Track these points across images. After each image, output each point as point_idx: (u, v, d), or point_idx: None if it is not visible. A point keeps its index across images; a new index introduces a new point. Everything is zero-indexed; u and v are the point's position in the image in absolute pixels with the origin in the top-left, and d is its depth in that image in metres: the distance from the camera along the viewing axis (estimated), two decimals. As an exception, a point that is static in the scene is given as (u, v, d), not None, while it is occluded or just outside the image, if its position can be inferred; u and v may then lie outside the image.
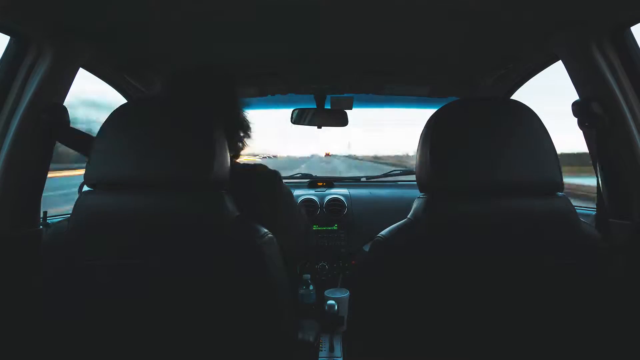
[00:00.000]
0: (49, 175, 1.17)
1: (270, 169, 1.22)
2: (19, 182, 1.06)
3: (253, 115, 1.26)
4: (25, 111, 1.04)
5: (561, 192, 0.90)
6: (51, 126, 1.10)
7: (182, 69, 1.17)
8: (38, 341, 0.89)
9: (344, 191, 2.28)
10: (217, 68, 1.18)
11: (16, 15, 0.97)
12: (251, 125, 1.24)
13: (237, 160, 1.24)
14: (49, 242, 0.92)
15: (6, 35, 1.05)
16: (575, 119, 1.12)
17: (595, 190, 1.11)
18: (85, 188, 0.94)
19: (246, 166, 1.20)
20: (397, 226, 0.94)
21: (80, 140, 1.23)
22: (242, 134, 1.21)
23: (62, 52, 1.08)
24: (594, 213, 1.19)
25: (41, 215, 1.18)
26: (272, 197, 1.18)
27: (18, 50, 1.06)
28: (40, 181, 1.13)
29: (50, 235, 0.93)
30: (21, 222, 1.07)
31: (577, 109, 1.09)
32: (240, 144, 1.22)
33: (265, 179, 1.19)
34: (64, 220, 0.92)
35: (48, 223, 1.23)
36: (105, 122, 0.89)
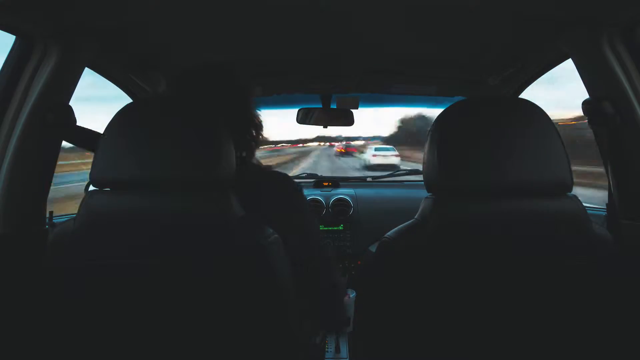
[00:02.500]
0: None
1: (285, 175, 1.21)
2: (25, 182, 1.06)
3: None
4: (31, 111, 1.04)
5: (571, 192, 0.89)
6: (57, 126, 1.10)
7: (189, 67, 1.16)
8: (43, 341, 0.89)
9: (350, 191, 2.27)
10: (224, 66, 1.17)
11: (22, 14, 0.97)
12: (263, 123, 1.23)
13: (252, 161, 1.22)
14: (55, 242, 0.92)
15: (12, 35, 1.05)
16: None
17: None
18: (91, 188, 0.93)
19: (261, 170, 1.19)
20: (404, 227, 0.93)
21: (87, 138, 1.22)
22: (253, 132, 1.20)
23: (68, 52, 1.08)
24: (604, 214, 1.17)
25: (47, 215, 1.18)
26: (290, 203, 1.16)
27: (23, 50, 1.06)
28: (46, 181, 1.13)
29: (56, 235, 0.93)
30: (27, 221, 1.07)
31: (588, 108, 1.08)
32: (253, 143, 1.21)
33: (281, 185, 1.17)
34: (69, 220, 0.91)
35: (54, 223, 1.23)
36: (110, 121, 0.89)
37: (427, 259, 0.87)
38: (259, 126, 1.21)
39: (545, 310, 0.86)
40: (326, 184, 2.39)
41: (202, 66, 1.16)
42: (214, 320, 0.89)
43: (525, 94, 1.76)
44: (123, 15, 1.10)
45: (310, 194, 2.23)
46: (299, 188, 1.20)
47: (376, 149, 17.10)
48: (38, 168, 1.10)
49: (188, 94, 1.12)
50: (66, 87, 1.12)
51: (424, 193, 0.95)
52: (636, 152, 1.03)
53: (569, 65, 1.21)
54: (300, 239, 1.13)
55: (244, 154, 1.18)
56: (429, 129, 0.93)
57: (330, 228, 2.14)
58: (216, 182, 0.88)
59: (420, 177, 0.99)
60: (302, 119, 2.13)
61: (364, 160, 17.42)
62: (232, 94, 1.16)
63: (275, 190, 1.15)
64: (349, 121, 2.15)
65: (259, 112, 1.22)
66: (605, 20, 1.02)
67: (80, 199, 0.91)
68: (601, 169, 1.14)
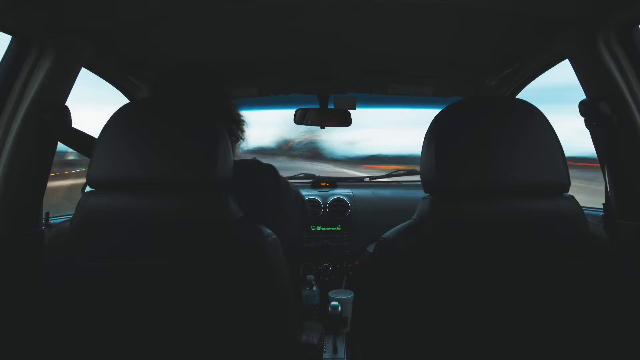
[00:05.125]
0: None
1: (264, 162, 1.21)
2: (21, 183, 1.05)
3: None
4: (27, 111, 1.03)
5: (568, 192, 0.89)
6: (53, 126, 1.09)
7: (166, 67, 1.15)
8: (40, 342, 0.88)
9: (348, 191, 2.27)
10: (202, 64, 1.17)
11: (17, 14, 0.96)
12: (245, 120, 1.23)
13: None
14: (51, 243, 0.92)
15: (7, 35, 1.04)
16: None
17: None
18: (88, 189, 0.93)
19: (240, 161, 1.19)
20: (402, 227, 0.93)
21: (81, 141, 1.22)
22: (236, 130, 1.19)
23: (64, 52, 1.07)
24: (601, 214, 1.18)
25: (43, 216, 1.17)
26: (272, 190, 1.17)
27: (19, 50, 1.06)
28: (42, 182, 1.13)
29: (53, 236, 0.93)
30: (23, 222, 1.07)
31: (585, 108, 1.08)
32: (234, 138, 1.20)
33: (261, 172, 1.18)
34: (66, 221, 0.91)
35: (50, 224, 1.23)
36: (107, 122, 0.89)
37: (425, 259, 0.87)
38: (240, 122, 1.21)
39: (542, 310, 0.86)
40: (324, 184, 2.39)
41: (179, 65, 1.15)
42: (213, 320, 0.88)
43: (521, 94, 1.76)
44: (119, 16, 1.09)
45: (308, 194, 2.23)
46: (278, 172, 1.22)
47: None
48: (34, 168, 1.09)
49: (167, 93, 1.11)
50: (62, 87, 1.12)
51: (421, 193, 0.95)
52: (633, 152, 1.03)
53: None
54: (288, 220, 1.16)
55: None
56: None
57: (327, 228, 2.14)
58: (214, 183, 0.88)
59: (417, 178, 0.99)
60: (300, 119, 2.13)
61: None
62: (211, 90, 1.15)
63: (260, 178, 1.16)
64: (346, 121, 2.15)
65: (241, 110, 1.22)
66: (602, 20, 1.02)
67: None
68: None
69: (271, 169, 1.21)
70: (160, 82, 1.14)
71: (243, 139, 1.23)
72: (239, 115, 1.21)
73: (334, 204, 2.17)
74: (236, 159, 1.21)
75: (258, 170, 1.19)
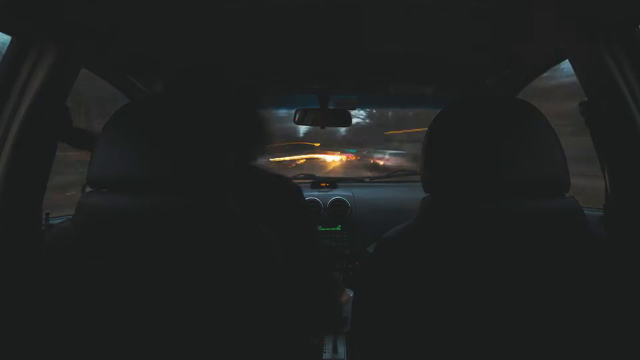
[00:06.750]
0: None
1: (293, 183, 1.16)
2: (21, 183, 1.06)
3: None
4: (28, 111, 1.03)
5: (568, 192, 0.89)
6: (53, 126, 1.09)
7: (185, 67, 1.14)
8: (40, 342, 0.88)
9: (348, 192, 2.27)
10: (221, 67, 1.13)
11: (18, 14, 0.97)
12: (267, 128, 1.17)
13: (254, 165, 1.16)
14: (51, 242, 0.92)
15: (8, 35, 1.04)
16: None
17: None
18: (88, 188, 0.93)
19: (266, 174, 1.15)
20: (402, 227, 0.93)
21: (83, 140, 1.22)
22: (257, 136, 1.15)
23: (64, 52, 1.07)
24: (601, 214, 1.18)
25: (43, 216, 1.17)
26: (295, 215, 1.11)
27: (20, 50, 1.05)
28: (42, 181, 1.13)
29: (53, 236, 0.93)
30: (23, 222, 1.07)
31: (585, 108, 1.08)
32: (257, 147, 1.16)
33: (288, 192, 1.13)
34: (66, 220, 0.91)
35: (50, 224, 1.23)
36: (108, 122, 0.89)
37: (425, 259, 0.87)
38: (262, 128, 1.16)
39: (543, 310, 0.86)
40: (324, 184, 2.39)
41: (200, 66, 1.12)
42: (214, 320, 0.88)
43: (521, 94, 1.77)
44: (120, 16, 1.09)
45: (308, 194, 2.23)
46: (303, 194, 1.15)
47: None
48: (34, 168, 1.09)
49: (184, 94, 1.09)
50: (63, 87, 1.12)
51: (421, 193, 0.95)
52: (633, 152, 1.03)
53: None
54: (300, 245, 1.09)
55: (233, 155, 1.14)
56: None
57: (327, 229, 2.14)
58: (214, 182, 0.88)
59: (418, 178, 0.99)
60: (300, 119, 2.14)
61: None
62: (228, 94, 1.12)
63: (283, 198, 1.11)
64: (346, 121, 2.16)
65: (261, 112, 1.17)
66: (602, 20, 1.02)
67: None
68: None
69: (301, 191, 1.14)
70: (175, 82, 1.11)
71: (265, 147, 1.18)
72: (263, 122, 1.16)
73: (334, 204, 2.17)
74: (258, 166, 1.16)
75: (288, 189, 1.12)
